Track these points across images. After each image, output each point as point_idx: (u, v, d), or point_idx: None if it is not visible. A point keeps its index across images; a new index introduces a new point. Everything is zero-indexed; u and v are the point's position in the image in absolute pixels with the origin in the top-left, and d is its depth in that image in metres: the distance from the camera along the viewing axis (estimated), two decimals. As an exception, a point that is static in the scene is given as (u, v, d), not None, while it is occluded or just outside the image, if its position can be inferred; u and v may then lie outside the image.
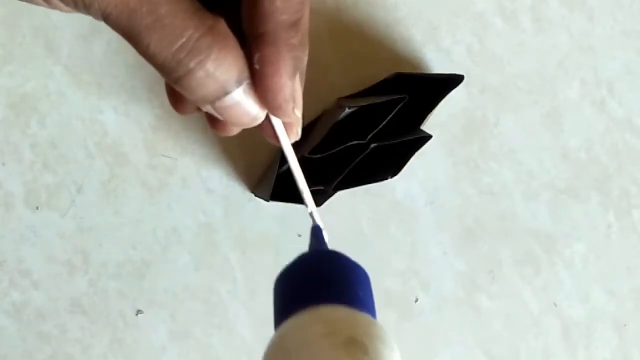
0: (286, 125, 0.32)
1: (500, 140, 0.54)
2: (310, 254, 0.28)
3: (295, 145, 0.51)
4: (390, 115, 0.48)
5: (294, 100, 0.30)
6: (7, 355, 0.52)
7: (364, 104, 0.48)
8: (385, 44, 0.52)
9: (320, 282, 0.27)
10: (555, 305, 0.54)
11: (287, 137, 0.33)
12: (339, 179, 0.49)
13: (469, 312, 0.54)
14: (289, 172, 0.51)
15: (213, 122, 0.32)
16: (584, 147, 0.54)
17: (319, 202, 0.49)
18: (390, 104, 0.48)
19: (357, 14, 0.52)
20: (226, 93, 0.26)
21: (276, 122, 0.31)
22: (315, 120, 0.52)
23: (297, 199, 0.51)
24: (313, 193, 0.49)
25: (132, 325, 0.52)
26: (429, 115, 0.51)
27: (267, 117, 0.30)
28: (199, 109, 0.30)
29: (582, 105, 0.54)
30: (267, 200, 0.49)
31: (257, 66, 0.26)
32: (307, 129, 0.51)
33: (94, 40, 0.51)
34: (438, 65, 0.53)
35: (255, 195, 0.52)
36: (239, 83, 0.26)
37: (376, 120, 0.48)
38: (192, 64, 0.25)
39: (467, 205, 0.54)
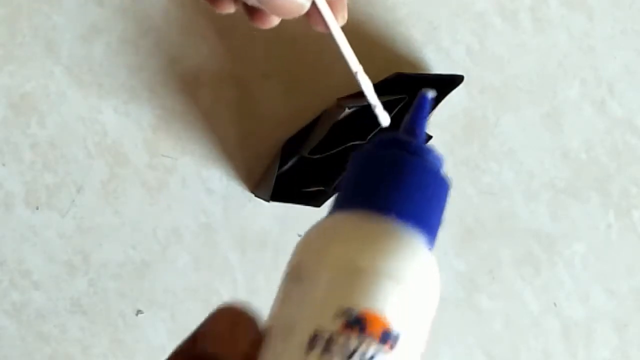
0: (333, 9, 0.32)
1: (500, 140, 0.54)
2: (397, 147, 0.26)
3: (295, 146, 0.51)
4: (391, 116, 0.48)
5: None
6: (7, 355, 0.52)
7: (365, 104, 0.48)
8: (385, 44, 0.52)
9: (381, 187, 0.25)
10: (555, 305, 0.54)
11: (335, 21, 0.33)
12: (339, 179, 0.49)
13: (469, 312, 0.54)
14: (289, 172, 0.51)
15: (252, 14, 0.33)
16: (584, 147, 0.54)
17: (318, 202, 0.49)
18: (390, 104, 0.48)
19: (356, 13, 0.52)
20: None
21: (323, 6, 0.31)
22: (316, 120, 0.52)
23: (297, 199, 0.51)
24: (313, 193, 0.49)
25: (132, 325, 0.52)
26: (429, 116, 0.51)
27: (313, 4, 0.30)
28: (236, 3, 0.30)
29: (582, 105, 0.54)
30: (267, 201, 0.49)
31: None
32: (307, 129, 0.51)
33: (94, 40, 0.51)
34: (438, 65, 0.53)
35: (255, 195, 0.52)
36: None
37: (376, 121, 0.48)
38: None
39: (467, 205, 0.54)
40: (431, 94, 0.29)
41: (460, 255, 0.54)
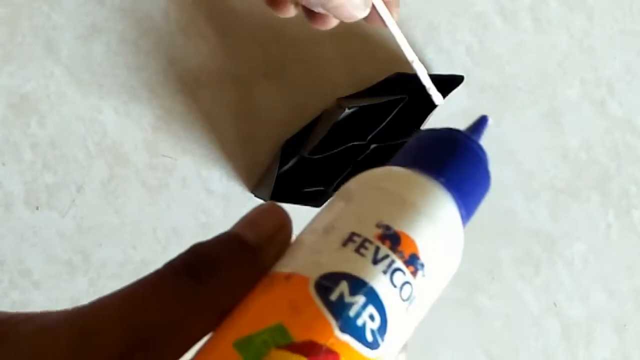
0: (388, 8, 0.37)
1: (500, 140, 0.54)
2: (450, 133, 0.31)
3: (296, 146, 0.51)
4: (391, 116, 0.48)
5: None
6: (7, 355, 0.52)
7: (365, 104, 0.48)
8: (385, 44, 0.52)
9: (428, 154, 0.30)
10: (555, 305, 0.54)
11: (392, 18, 0.38)
12: (339, 180, 0.49)
13: (469, 312, 0.54)
14: (289, 172, 0.51)
15: (313, 17, 0.36)
16: (584, 147, 0.54)
17: (318, 202, 0.49)
18: (390, 105, 0.48)
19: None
20: None
21: (381, 7, 0.36)
22: (316, 120, 0.52)
23: (297, 199, 0.51)
24: (313, 193, 0.49)
25: None
26: (429, 116, 0.51)
27: (372, 6, 0.35)
28: (296, 7, 0.33)
29: (582, 105, 0.54)
30: (267, 201, 0.49)
31: None
32: (307, 129, 0.51)
33: (94, 40, 0.51)
34: (438, 65, 0.53)
35: (255, 196, 0.52)
36: None
37: (376, 121, 0.48)
38: None
39: (467, 205, 0.54)
40: (491, 120, 0.35)
41: (460, 255, 0.54)
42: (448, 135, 0.30)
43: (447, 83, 0.50)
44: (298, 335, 0.22)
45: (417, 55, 0.47)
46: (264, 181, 0.51)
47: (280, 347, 0.22)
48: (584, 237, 0.54)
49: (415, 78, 0.51)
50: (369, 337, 0.23)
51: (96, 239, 0.52)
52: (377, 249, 0.24)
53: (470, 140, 0.31)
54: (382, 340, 0.24)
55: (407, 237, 0.25)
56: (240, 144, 0.52)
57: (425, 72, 0.44)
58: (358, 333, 0.23)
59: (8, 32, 0.51)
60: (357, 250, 0.24)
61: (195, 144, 0.52)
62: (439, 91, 0.51)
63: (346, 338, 0.22)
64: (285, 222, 0.25)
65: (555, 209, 0.54)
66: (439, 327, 0.54)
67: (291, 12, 0.37)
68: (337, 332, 0.22)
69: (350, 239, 0.24)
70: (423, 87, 0.50)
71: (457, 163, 0.29)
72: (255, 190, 0.52)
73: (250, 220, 0.26)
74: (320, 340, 0.22)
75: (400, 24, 0.45)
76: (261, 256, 0.24)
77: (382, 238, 0.24)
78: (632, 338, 0.55)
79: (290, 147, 0.51)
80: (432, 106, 0.51)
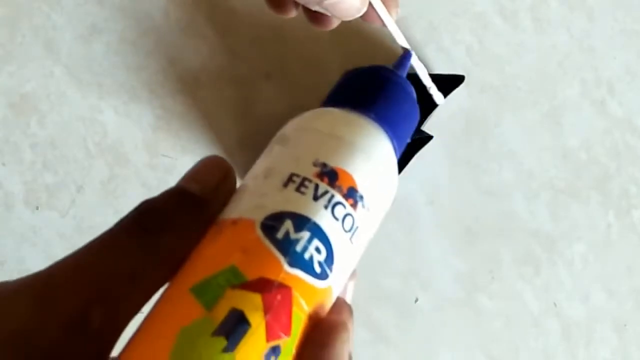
0: (387, 6, 0.37)
1: (500, 140, 0.54)
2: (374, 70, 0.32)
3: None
4: None
5: None
6: (7, 355, 0.51)
7: None
8: (385, 44, 0.52)
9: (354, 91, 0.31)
10: (555, 305, 0.54)
11: (390, 17, 0.38)
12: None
13: (469, 312, 0.54)
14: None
15: (314, 18, 0.36)
16: (584, 147, 0.54)
17: None
18: None
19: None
20: None
21: (379, 6, 0.36)
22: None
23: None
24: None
25: (131, 325, 0.52)
26: (429, 116, 0.51)
27: (369, 5, 0.35)
28: (297, 8, 0.34)
29: (582, 105, 0.54)
30: None
31: None
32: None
33: (94, 40, 0.51)
34: (438, 65, 0.53)
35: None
36: None
37: None
38: None
39: (467, 205, 0.54)
40: (414, 56, 0.37)
41: (460, 255, 0.54)
42: (374, 72, 0.31)
43: (448, 82, 0.50)
44: (250, 274, 0.23)
45: (416, 54, 0.47)
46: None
47: (234, 286, 0.22)
48: (584, 237, 0.54)
49: (415, 78, 0.51)
50: (317, 269, 0.24)
51: (96, 239, 0.52)
52: (317, 186, 0.25)
53: (395, 76, 0.32)
54: (330, 270, 0.24)
55: (344, 172, 0.26)
56: (240, 144, 0.52)
57: (426, 71, 0.45)
58: (306, 266, 0.23)
59: (8, 32, 0.51)
60: (297, 190, 0.25)
61: (195, 144, 0.52)
62: (440, 90, 0.51)
63: (296, 272, 0.23)
64: (228, 172, 0.27)
65: (555, 209, 0.54)
66: (439, 327, 0.54)
67: (292, 12, 0.37)
68: (287, 267, 0.23)
69: (290, 179, 0.25)
70: (423, 87, 0.51)
71: (385, 98, 0.30)
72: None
73: (194, 173, 0.27)
74: (272, 276, 0.23)
75: (399, 24, 0.45)
76: (208, 206, 0.25)
77: (320, 175, 0.25)
78: (632, 338, 0.55)
79: None
80: (432, 105, 0.51)
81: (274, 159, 0.27)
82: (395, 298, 0.53)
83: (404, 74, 0.34)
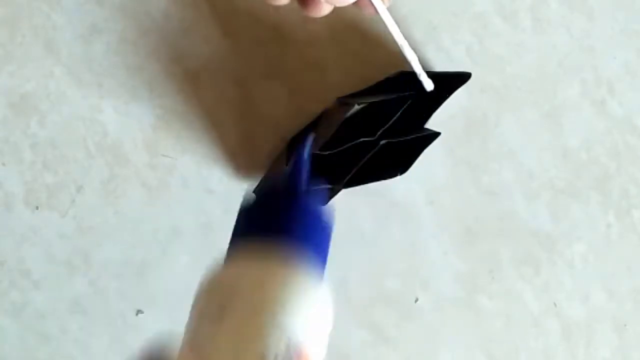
0: None
1: (500, 140, 0.54)
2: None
3: (302, 143, 0.51)
4: (399, 112, 0.48)
5: None
6: (7, 355, 0.52)
7: (374, 100, 0.48)
8: (385, 44, 0.52)
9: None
10: (555, 305, 0.54)
11: (382, 5, 0.39)
12: (349, 176, 0.48)
13: (469, 312, 0.54)
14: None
15: (306, 4, 0.36)
16: (584, 147, 0.54)
17: (327, 198, 0.49)
18: (398, 101, 0.48)
19: (357, 14, 0.52)
20: None
21: None
22: (316, 121, 0.52)
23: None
24: (322, 190, 0.50)
25: (132, 325, 0.52)
26: (434, 112, 0.51)
27: None
28: None
29: (582, 105, 0.54)
30: None
31: None
32: (307, 129, 0.51)
33: (94, 40, 0.51)
34: (438, 65, 0.53)
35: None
36: None
37: (383, 118, 0.48)
38: None
39: (467, 205, 0.54)
40: (307, 151, 0.35)
41: (460, 255, 0.54)
42: (269, 205, 0.30)
43: (454, 80, 0.50)
44: None
45: (416, 54, 0.47)
46: (264, 181, 0.51)
47: None
48: (584, 237, 0.54)
49: (412, 76, 0.51)
50: None
51: (96, 239, 0.52)
52: None
53: (294, 200, 0.30)
54: None
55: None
56: (241, 144, 0.52)
57: (416, 58, 0.45)
58: None
59: (8, 32, 0.51)
60: None
61: (196, 143, 0.52)
62: (445, 88, 0.50)
63: None
64: None
65: (555, 209, 0.54)
66: (439, 327, 0.54)
67: (284, 0, 0.36)
68: None
69: None
70: (423, 88, 0.50)
71: (300, 237, 0.29)
72: (255, 190, 0.52)
73: None
74: None
75: (400, 24, 0.45)
76: None
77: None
78: (632, 338, 0.55)
79: (297, 144, 0.50)
80: (437, 103, 0.51)
81: (207, 339, 0.27)
82: (395, 298, 0.53)
83: (301, 180, 0.32)
